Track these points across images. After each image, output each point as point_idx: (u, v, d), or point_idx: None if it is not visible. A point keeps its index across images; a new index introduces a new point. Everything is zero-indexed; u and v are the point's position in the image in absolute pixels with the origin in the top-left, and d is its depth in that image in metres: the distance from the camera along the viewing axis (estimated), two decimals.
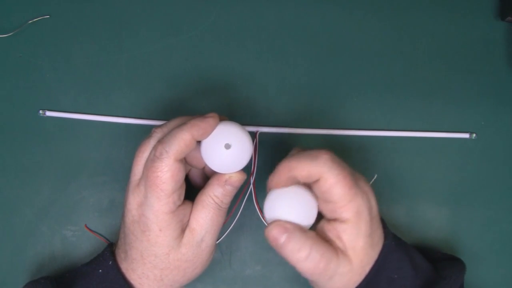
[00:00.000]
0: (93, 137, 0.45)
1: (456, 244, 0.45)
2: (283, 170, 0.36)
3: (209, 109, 0.45)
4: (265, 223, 0.38)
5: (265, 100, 0.46)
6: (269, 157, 0.45)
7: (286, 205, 0.36)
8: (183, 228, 0.37)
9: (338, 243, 0.35)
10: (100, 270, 0.38)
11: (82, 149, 0.45)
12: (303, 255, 0.34)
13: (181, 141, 0.35)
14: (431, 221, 0.46)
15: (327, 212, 0.36)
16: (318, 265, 0.34)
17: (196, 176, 0.41)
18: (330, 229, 0.35)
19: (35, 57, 0.46)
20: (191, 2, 0.47)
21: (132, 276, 0.38)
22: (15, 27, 0.46)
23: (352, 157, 0.46)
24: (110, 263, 0.38)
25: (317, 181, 0.35)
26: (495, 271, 0.45)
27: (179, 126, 0.36)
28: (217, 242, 0.44)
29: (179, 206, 0.36)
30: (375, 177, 0.45)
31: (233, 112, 0.46)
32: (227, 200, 0.38)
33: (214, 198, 0.37)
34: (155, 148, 0.35)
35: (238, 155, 0.36)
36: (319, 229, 0.37)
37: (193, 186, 0.41)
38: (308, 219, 0.36)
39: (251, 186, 0.43)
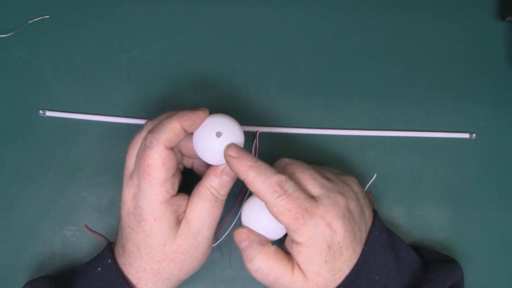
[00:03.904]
0: (93, 137, 0.45)
1: (456, 244, 0.45)
2: (240, 168, 0.35)
3: (208, 109, 0.45)
4: None
5: (265, 100, 0.46)
6: (269, 157, 0.45)
7: (257, 216, 0.39)
8: (179, 220, 0.37)
9: (295, 259, 0.36)
10: (99, 268, 0.38)
11: (82, 149, 0.45)
12: (253, 267, 0.37)
13: (170, 129, 0.35)
14: (431, 221, 0.46)
15: (287, 231, 0.37)
16: (267, 278, 0.36)
17: (200, 166, 0.41)
18: (290, 246, 0.37)
19: (35, 57, 0.46)
20: (191, 2, 0.47)
21: (130, 270, 0.38)
22: (15, 27, 0.46)
23: (352, 157, 0.46)
24: (109, 261, 0.38)
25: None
26: (495, 271, 0.45)
27: (168, 116, 0.36)
28: (217, 243, 0.44)
29: (174, 196, 0.37)
30: (375, 177, 0.45)
31: (233, 112, 0.45)
32: (224, 191, 0.38)
33: (210, 189, 0.37)
34: (145, 138, 0.36)
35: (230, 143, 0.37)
36: (286, 240, 0.38)
37: (192, 181, 0.41)
38: (276, 233, 0.39)
39: None
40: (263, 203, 0.36)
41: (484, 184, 0.46)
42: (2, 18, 0.46)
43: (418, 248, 0.43)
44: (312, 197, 0.36)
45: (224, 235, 0.44)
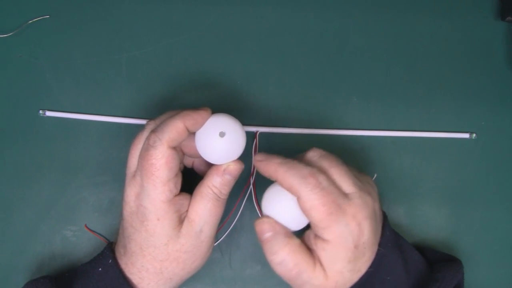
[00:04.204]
0: (93, 137, 0.45)
1: (456, 244, 0.45)
2: (270, 167, 0.36)
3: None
4: (260, 215, 0.39)
5: (265, 100, 0.46)
6: None
7: (281, 206, 0.37)
8: (182, 219, 0.37)
9: (318, 256, 0.35)
10: (100, 269, 0.38)
11: (82, 149, 0.45)
12: (277, 260, 0.35)
13: (173, 129, 0.35)
14: (431, 221, 0.46)
15: (312, 227, 0.36)
16: (289, 272, 0.35)
17: (201, 165, 0.41)
18: (314, 242, 0.36)
19: (35, 57, 0.46)
20: (191, 2, 0.47)
21: (131, 270, 0.38)
22: (15, 27, 0.46)
23: (352, 157, 0.46)
24: (110, 261, 0.38)
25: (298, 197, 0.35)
26: (495, 271, 0.45)
27: (171, 116, 0.36)
28: (217, 242, 0.44)
29: (176, 195, 0.37)
30: (375, 176, 0.45)
31: (233, 112, 0.45)
32: (226, 190, 0.38)
33: (212, 188, 0.37)
34: (148, 137, 0.36)
35: (232, 143, 0.37)
36: (307, 235, 0.37)
37: (192, 180, 0.41)
38: (298, 224, 0.37)
39: (251, 186, 0.43)
40: (285, 192, 0.35)
41: (484, 184, 0.46)
42: (2, 18, 0.46)
43: (421, 248, 0.43)
44: (345, 194, 0.35)
45: (224, 235, 0.44)
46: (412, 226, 0.45)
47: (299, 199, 0.35)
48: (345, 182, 0.36)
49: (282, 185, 0.35)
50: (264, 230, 0.36)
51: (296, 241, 0.36)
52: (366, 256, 0.36)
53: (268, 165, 0.36)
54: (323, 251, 0.35)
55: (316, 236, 0.35)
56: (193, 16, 0.47)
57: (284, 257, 0.35)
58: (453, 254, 0.44)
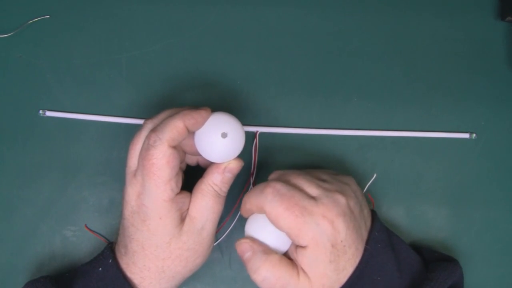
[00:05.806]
0: (93, 137, 0.45)
1: (456, 244, 0.45)
2: (243, 203, 0.38)
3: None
4: None
5: (265, 100, 0.46)
6: (269, 157, 0.45)
7: (262, 228, 0.38)
8: (183, 217, 0.38)
9: (300, 264, 0.36)
10: (100, 269, 0.38)
11: (82, 149, 0.45)
12: (259, 277, 0.36)
13: (174, 128, 0.35)
14: (431, 221, 0.46)
15: (290, 239, 0.37)
16: (273, 287, 0.36)
17: (207, 160, 0.41)
18: (295, 253, 0.37)
19: (35, 57, 0.46)
20: (191, 2, 0.47)
21: (133, 270, 0.38)
22: (15, 27, 0.46)
23: (352, 157, 0.46)
24: (110, 261, 0.38)
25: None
26: (495, 271, 0.45)
27: (171, 115, 0.36)
28: (217, 242, 0.44)
29: (178, 194, 0.37)
30: (375, 176, 0.45)
31: (233, 112, 0.45)
32: (226, 187, 0.39)
33: (213, 186, 0.38)
34: (148, 137, 0.36)
35: (233, 142, 0.37)
36: (289, 250, 0.38)
37: (191, 178, 0.41)
38: (280, 245, 0.38)
39: (251, 186, 0.43)
40: (265, 218, 0.36)
41: (484, 184, 0.46)
42: (2, 18, 0.46)
43: (418, 248, 0.43)
44: (311, 197, 0.36)
45: (224, 235, 0.44)
46: (412, 226, 0.45)
47: (265, 213, 0.35)
48: (309, 187, 0.37)
49: (252, 210, 0.37)
50: (244, 250, 0.37)
51: (276, 256, 0.37)
52: (349, 254, 0.36)
53: (244, 207, 0.38)
54: (304, 257, 0.35)
55: (296, 247, 0.36)
56: (193, 16, 0.47)
57: (265, 274, 0.36)
58: (452, 254, 0.44)
